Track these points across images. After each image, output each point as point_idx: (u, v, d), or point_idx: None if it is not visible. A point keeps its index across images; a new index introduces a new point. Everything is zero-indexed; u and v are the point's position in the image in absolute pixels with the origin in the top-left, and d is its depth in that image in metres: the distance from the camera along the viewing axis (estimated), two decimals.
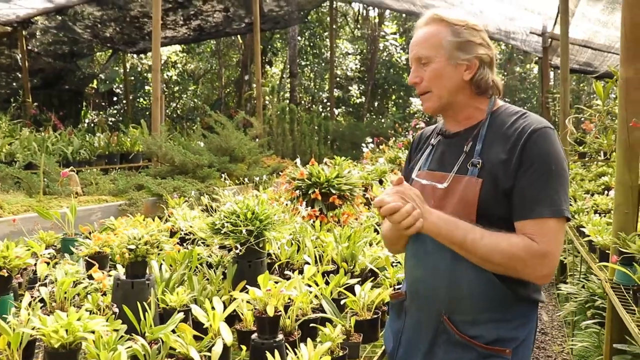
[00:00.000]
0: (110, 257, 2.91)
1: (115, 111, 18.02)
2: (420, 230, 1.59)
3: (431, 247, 1.76)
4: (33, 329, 1.74)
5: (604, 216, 4.72)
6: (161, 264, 2.63)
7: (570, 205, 5.61)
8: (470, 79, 1.77)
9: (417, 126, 9.86)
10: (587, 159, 6.51)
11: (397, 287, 2.16)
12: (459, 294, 1.73)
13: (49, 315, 1.79)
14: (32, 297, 2.09)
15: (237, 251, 2.59)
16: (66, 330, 1.72)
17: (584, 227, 4.30)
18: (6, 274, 2.15)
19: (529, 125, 1.68)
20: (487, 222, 1.66)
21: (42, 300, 2.21)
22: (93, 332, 1.75)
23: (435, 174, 1.83)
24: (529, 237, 1.61)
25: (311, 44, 21.29)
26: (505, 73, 22.47)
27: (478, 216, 1.67)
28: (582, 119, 5.03)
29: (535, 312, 1.80)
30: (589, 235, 4.02)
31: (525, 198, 1.64)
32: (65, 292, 2.26)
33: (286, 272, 2.87)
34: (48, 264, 2.59)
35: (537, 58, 14.17)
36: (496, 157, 1.69)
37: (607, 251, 3.58)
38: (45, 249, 2.96)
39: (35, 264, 2.57)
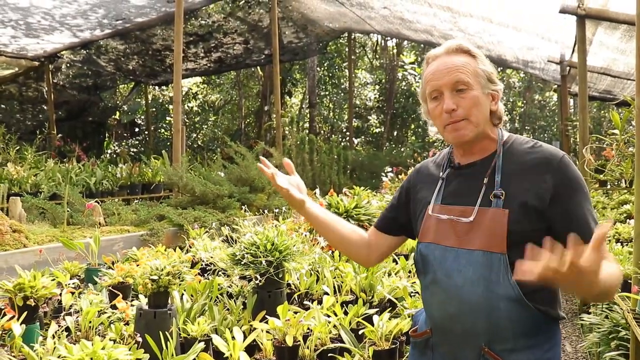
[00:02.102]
0: (132, 287, 2.96)
1: (137, 142, 18.29)
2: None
3: (461, 281, 1.74)
4: (59, 357, 1.78)
5: (626, 245, 4.67)
6: (182, 294, 2.68)
7: None
8: (494, 110, 1.80)
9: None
10: (608, 186, 6.47)
11: (412, 323, 2.07)
12: (499, 324, 1.71)
13: (74, 344, 1.83)
14: (58, 326, 2.13)
15: (257, 281, 2.62)
16: (91, 359, 1.76)
17: None
18: (33, 304, 2.20)
19: (552, 153, 1.71)
20: (517, 252, 1.60)
21: (67, 329, 2.26)
22: None
23: (453, 208, 1.81)
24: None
25: (330, 74, 21.50)
26: (525, 101, 22.44)
27: (508, 247, 1.66)
28: (603, 146, 5.02)
29: (559, 332, 1.81)
30: None
31: (582, 221, 1.65)
32: (90, 322, 2.30)
33: (305, 302, 2.90)
34: (73, 293, 2.65)
35: (556, 86, 14.14)
36: (520, 187, 1.69)
37: (628, 281, 3.55)
38: (70, 278, 3.02)
39: (61, 294, 2.63)
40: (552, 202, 1.65)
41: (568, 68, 10.61)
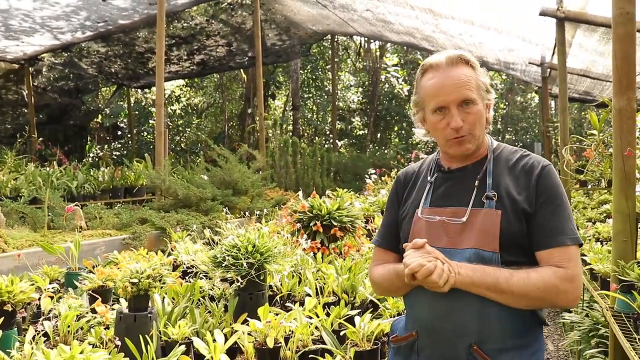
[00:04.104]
0: (113, 290, 2.93)
1: (119, 145, 18.16)
2: (454, 285, 1.64)
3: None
4: None
5: (605, 244, 4.72)
6: (164, 297, 2.66)
7: None
8: (487, 118, 1.84)
9: (418, 157, 9.91)
10: (588, 187, 6.54)
11: (391, 331, 2.01)
12: (490, 323, 1.73)
13: (52, 349, 1.82)
14: (35, 331, 2.11)
15: (239, 284, 2.62)
16: None
17: (585, 255, 4.31)
18: (10, 309, 2.18)
19: (537, 162, 1.79)
20: (508, 251, 1.71)
21: (45, 334, 2.24)
22: None
23: (444, 209, 1.83)
24: (555, 265, 1.68)
25: (313, 77, 21.52)
26: (507, 103, 22.62)
27: (501, 246, 1.71)
28: (583, 146, 5.08)
29: (542, 334, 1.85)
30: (590, 264, 4.03)
31: (549, 228, 1.71)
32: (69, 326, 2.28)
33: (287, 304, 2.89)
34: (52, 298, 2.62)
35: (537, 88, 14.28)
36: (509, 190, 1.76)
37: (607, 279, 3.59)
38: (50, 283, 2.99)
39: (39, 299, 2.60)
40: (535, 207, 1.72)
41: (549, 70, 10.71)
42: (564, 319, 5.01)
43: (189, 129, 20.50)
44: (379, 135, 22.69)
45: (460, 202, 1.81)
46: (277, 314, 2.31)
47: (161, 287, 2.48)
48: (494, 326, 1.73)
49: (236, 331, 2.25)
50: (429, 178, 1.93)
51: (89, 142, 15.90)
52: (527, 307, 1.70)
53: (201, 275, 3.16)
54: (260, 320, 2.21)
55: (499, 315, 1.72)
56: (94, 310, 2.50)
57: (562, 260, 1.68)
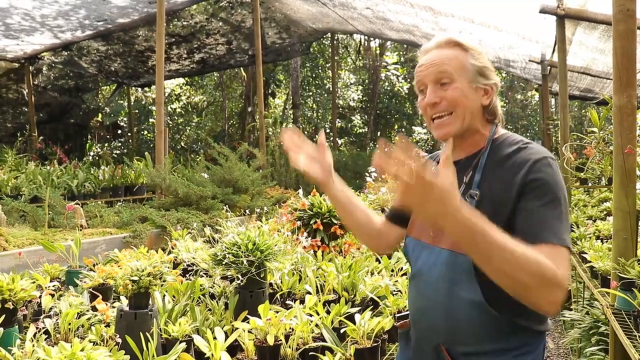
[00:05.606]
0: (114, 288, 2.94)
1: (119, 144, 18.16)
2: (457, 211, 1.35)
3: (430, 278, 1.74)
4: None
5: (606, 242, 4.73)
6: (164, 295, 2.66)
7: (573, 231, 5.62)
8: (486, 105, 1.74)
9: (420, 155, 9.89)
10: (589, 185, 6.54)
11: (399, 314, 2.10)
12: (458, 325, 1.68)
13: (53, 346, 1.82)
14: (36, 328, 2.11)
15: (239, 282, 2.62)
16: None
17: (585, 253, 4.32)
18: (11, 307, 2.18)
19: (531, 155, 1.62)
20: None
21: (46, 332, 2.24)
22: None
23: None
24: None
25: (313, 75, 21.51)
26: (507, 100, 22.61)
27: None
28: (584, 144, 5.08)
29: (540, 340, 1.71)
30: (590, 261, 4.03)
31: (533, 223, 1.55)
32: (70, 324, 2.28)
33: (288, 302, 2.90)
34: (53, 296, 2.63)
35: (537, 85, 14.27)
36: (495, 188, 1.63)
37: (608, 277, 3.59)
38: (50, 281, 2.99)
39: (40, 297, 2.60)
40: (517, 202, 1.58)
41: (549, 67, 10.70)
42: (564, 316, 5.01)
43: (189, 128, 20.50)
44: (379, 133, 22.68)
45: None
46: (277, 312, 2.32)
47: (162, 285, 2.48)
48: (464, 329, 1.67)
49: (236, 329, 2.26)
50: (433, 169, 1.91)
51: (89, 141, 15.91)
52: (505, 285, 1.43)
53: (201, 273, 3.16)
54: (260, 318, 2.21)
55: (468, 319, 1.65)
56: (94, 308, 2.51)
57: (553, 259, 1.45)
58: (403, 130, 22.24)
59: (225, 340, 2.11)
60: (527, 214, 1.57)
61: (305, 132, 18.76)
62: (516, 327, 1.64)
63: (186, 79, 20.07)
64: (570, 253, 1.58)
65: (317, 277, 3.08)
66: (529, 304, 1.46)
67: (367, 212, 2.04)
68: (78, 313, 2.41)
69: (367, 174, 11.28)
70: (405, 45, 20.22)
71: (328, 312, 2.56)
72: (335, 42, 17.86)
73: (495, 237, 1.38)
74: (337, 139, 17.65)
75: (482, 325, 1.64)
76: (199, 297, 2.79)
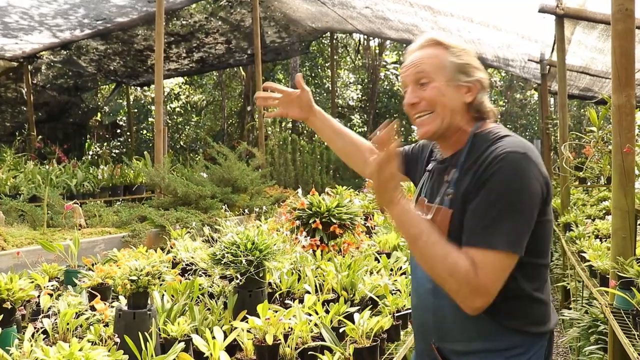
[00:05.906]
0: (112, 288, 2.93)
1: (118, 143, 18.15)
2: (391, 204, 1.59)
3: (420, 275, 1.76)
4: (36, 359, 1.77)
5: (605, 241, 4.73)
6: (163, 294, 2.66)
7: (572, 230, 5.62)
8: (470, 102, 1.72)
9: None
10: (588, 184, 6.54)
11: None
12: (444, 324, 1.70)
13: (51, 346, 1.82)
14: (35, 328, 2.11)
15: (238, 281, 2.62)
16: None
17: (584, 252, 4.32)
18: (10, 307, 2.18)
19: (495, 149, 1.60)
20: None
21: (45, 332, 2.23)
22: None
23: (425, 205, 1.80)
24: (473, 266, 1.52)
25: (313, 74, 21.51)
26: (506, 100, 22.61)
27: None
28: (583, 144, 5.08)
29: (537, 342, 1.68)
30: (589, 260, 4.03)
31: (468, 225, 1.58)
32: (68, 324, 2.28)
33: (287, 301, 2.90)
34: (51, 295, 2.62)
35: (536, 85, 14.27)
36: (467, 185, 1.63)
37: (607, 276, 3.59)
38: (49, 281, 2.99)
39: (39, 296, 2.60)
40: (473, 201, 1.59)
41: (548, 67, 10.72)
42: (564, 315, 5.02)
43: (188, 127, 20.48)
44: (378, 132, 22.67)
45: (433, 198, 1.77)
46: (276, 311, 2.31)
47: (160, 285, 2.47)
48: (450, 327, 1.68)
49: (235, 328, 2.25)
50: (428, 166, 1.91)
51: (88, 140, 15.89)
52: (436, 279, 1.56)
53: (200, 273, 3.16)
54: (259, 317, 2.21)
55: (453, 318, 1.65)
56: (93, 308, 2.50)
57: (476, 264, 1.50)
58: (402, 129, 22.22)
59: (224, 339, 2.11)
60: (469, 214, 1.59)
61: (305, 131, 18.71)
62: (504, 328, 1.63)
63: (185, 78, 20.06)
64: (510, 255, 1.52)
65: (316, 277, 3.08)
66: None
67: (354, 139, 2.23)
68: (76, 313, 2.40)
69: None
70: (404, 45, 20.19)
71: (327, 312, 2.56)
72: (334, 41, 17.86)
73: (422, 238, 1.55)
74: None
75: (468, 324, 1.64)
76: (198, 297, 2.79)
